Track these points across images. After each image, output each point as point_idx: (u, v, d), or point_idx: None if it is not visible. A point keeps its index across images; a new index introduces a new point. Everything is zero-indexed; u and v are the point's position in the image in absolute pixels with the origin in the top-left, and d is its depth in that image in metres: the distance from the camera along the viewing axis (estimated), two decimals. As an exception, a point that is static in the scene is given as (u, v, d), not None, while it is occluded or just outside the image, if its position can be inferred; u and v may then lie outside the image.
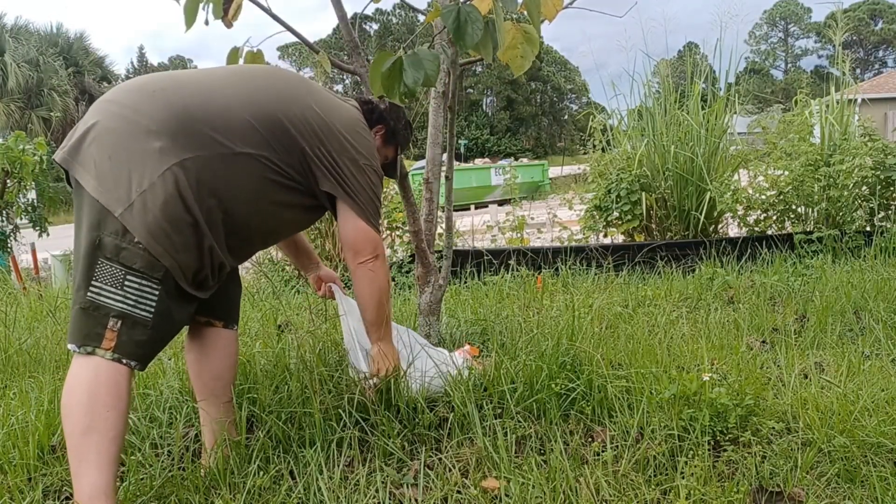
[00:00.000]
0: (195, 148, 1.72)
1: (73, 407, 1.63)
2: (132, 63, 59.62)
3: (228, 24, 2.31)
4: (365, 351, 2.27)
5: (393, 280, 3.93)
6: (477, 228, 6.91)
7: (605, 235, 6.25)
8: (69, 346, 1.68)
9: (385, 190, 6.22)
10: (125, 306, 1.66)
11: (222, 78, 1.90)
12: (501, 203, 15.63)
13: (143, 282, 1.67)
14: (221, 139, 1.76)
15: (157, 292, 1.69)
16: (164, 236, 1.67)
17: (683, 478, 1.83)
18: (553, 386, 2.20)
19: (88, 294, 1.65)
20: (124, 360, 1.67)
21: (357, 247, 2.05)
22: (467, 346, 2.60)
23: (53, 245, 7.76)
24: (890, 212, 5.38)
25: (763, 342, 3.06)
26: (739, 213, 5.78)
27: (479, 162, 24.33)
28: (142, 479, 1.93)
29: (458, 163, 18.98)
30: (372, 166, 2.06)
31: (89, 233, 1.66)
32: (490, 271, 4.99)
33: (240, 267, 2.20)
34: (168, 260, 1.68)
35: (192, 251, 1.73)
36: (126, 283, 1.66)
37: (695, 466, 1.85)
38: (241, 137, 1.79)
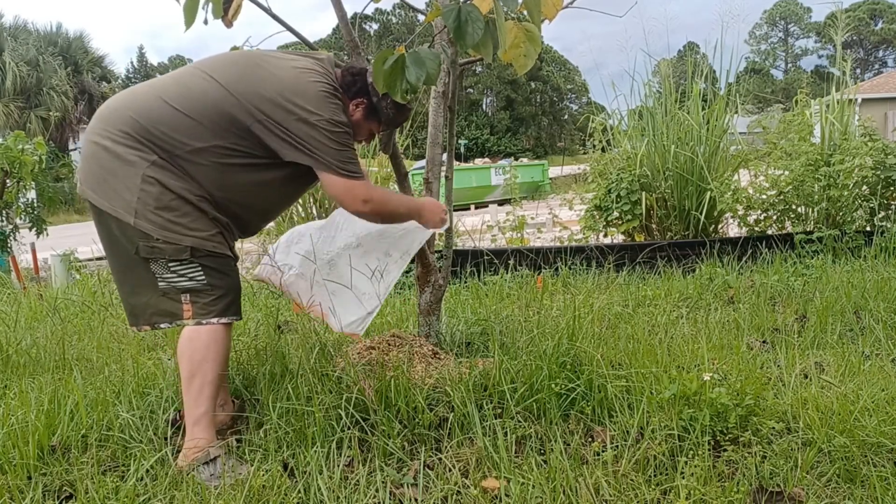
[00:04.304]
0: (159, 149, 1.98)
1: (180, 360, 2.02)
2: (132, 63, 59.61)
3: (228, 24, 2.31)
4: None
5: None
6: (476, 228, 6.90)
7: (606, 235, 6.24)
8: (163, 326, 2.08)
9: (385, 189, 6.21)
10: (186, 283, 2.01)
11: (163, 84, 2.09)
12: (501, 203, 15.62)
13: (182, 262, 1.99)
14: (177, 137, 1.98)
15: (195, 264, 2.01)
16: (173, 223, 1.97)
17: (683, 478, 1.82)
18: (553, 386, 2.20)
19: (160, 285, 2.01)
20: (204, 321, 2.01)
21: (342, 200, 2.15)
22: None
23: (53, 245, 7.75)
24: (890, 212, 5.38)
25: (763, 342, 3.06)
26: (740, 212, 5.77)
27: (479, 162, 24.30)
28: (141, 479, 1.93)
29: (458, 163, 18.99)
30: (325, 118, 2.04)
31: (128, 244, 1.98)
32: (490, 271, 4.99)
33: (241, 267, 2.25)
34: (188, 240, 1.98)
35: (202, 221, 2.01)
36: (171, 268, 1.99)
37: (695, 466, 1.85)
38: (189, 134, 1.98)
